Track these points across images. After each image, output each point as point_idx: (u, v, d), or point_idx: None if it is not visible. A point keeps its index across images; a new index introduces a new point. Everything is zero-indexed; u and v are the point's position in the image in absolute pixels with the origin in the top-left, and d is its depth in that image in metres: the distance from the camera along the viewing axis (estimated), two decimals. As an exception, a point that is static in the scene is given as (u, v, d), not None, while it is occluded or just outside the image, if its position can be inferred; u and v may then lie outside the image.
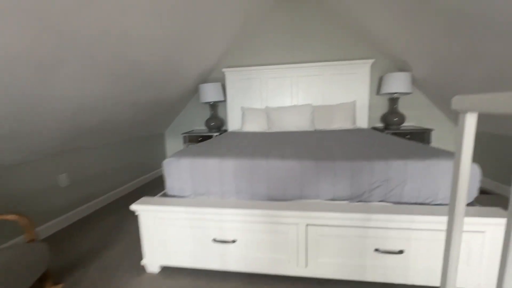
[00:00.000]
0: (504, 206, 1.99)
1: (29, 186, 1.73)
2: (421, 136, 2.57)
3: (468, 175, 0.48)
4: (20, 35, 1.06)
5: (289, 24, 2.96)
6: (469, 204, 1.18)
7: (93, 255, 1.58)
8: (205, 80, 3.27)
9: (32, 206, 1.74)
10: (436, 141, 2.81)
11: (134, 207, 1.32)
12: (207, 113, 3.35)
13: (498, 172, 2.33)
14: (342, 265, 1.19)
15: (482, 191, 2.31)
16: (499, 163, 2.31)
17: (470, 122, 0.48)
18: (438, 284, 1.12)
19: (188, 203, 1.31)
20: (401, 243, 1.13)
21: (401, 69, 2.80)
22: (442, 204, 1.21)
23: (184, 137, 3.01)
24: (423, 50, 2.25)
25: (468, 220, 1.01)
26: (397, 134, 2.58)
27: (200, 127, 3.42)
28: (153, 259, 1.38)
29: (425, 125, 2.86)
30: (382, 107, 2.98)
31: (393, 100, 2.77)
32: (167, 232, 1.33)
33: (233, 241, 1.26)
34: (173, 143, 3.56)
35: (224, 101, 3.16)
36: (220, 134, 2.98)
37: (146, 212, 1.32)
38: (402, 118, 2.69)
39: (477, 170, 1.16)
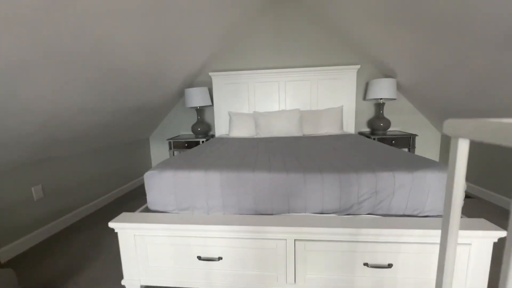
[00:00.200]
0: (485, 210, 2.07)
1: (-4, 201, 1.59)
2: (406, 141, 2.62)
3: (461, 198, 0.46)
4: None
5: (277, 29, 2.94)
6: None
7: (68, 276, 1.47)
8: (191, 84, 3.17)
9: (1, 223, 1.60)
10: (419, 146, 2.88)
11: (112, 225, 1.23)
12: (193, 118, 3.26)
13: (478, 176, 2.40)
14: (331, 280, 1.16)
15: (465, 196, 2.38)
16: (477, 168, 2.39)
17: (463, 148, 0.46)
18: (426, 297, 1.11)
19: (171, 220, 1.23)
20: (390, 256, 1.11)
21: (387, 75, 2.85)
22: (429, 216, 1.21)
23: (170, 142, 2.91)
24: (408, 57, 2.28)
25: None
26: (383, 139, 2.61)
27: (187, 132, 3.32)
28: (133, 279, 1.29)
29: (410, 130, 2.93)
30: (369, 112, 3.02)
31: (379, 106, 2.81)
32: (149, 250, 1.26)
33: (219, 258, 1.20)
34: (158, 149, 3.44)
35: (211, 105, 3.09)
36: (207, 139, 2.90)
37: (125, 230, 1.24)
38: (387, 123, 2.73)
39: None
